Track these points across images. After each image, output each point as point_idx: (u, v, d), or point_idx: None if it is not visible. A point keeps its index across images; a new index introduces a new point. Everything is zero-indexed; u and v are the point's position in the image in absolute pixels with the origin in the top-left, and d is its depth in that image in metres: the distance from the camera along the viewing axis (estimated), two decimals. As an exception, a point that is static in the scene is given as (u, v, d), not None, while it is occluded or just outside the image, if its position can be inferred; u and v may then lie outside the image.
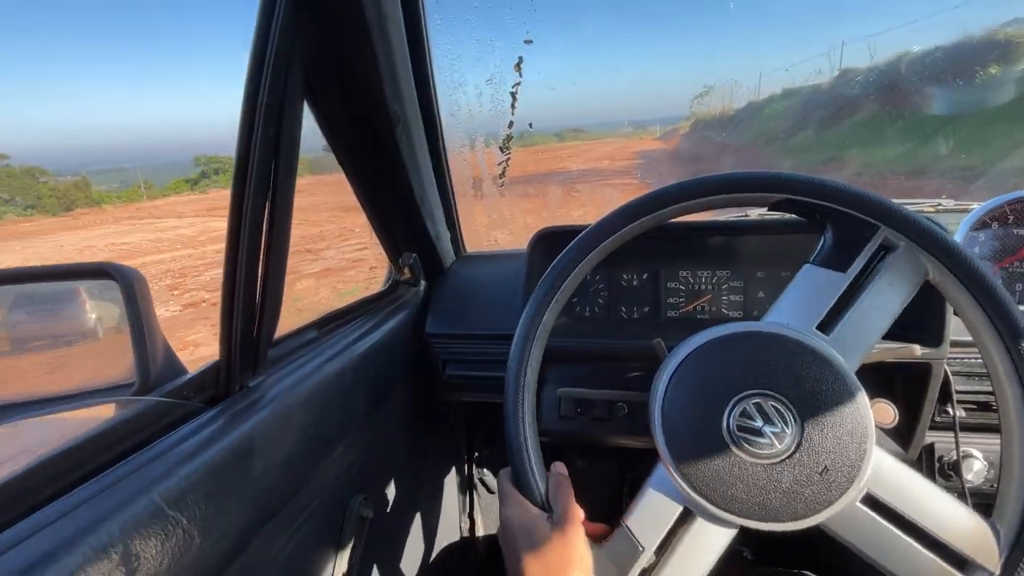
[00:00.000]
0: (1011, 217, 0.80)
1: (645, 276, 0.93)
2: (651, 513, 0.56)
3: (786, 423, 0.51)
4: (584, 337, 0.90)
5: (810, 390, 0.51)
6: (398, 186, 0.79)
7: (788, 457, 0.51)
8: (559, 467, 0.59)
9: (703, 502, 0.53)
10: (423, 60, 0.69)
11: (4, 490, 0.40)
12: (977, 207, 0.81)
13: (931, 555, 0.51)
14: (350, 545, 0.76)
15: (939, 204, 1.04)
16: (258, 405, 0.60)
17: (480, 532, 1.33)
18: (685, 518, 0.55)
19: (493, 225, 1.26)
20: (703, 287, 0.91)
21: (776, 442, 0.51)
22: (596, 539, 0.56)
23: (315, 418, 0.66)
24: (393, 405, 0.92)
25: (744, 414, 0.52)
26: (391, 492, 0.90)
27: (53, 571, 0.34)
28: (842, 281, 0.55)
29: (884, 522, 0.52)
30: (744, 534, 0.54)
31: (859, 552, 0.54)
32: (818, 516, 0.51)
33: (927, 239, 0.53)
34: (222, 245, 0.56)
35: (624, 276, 0.94)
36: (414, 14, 0.64)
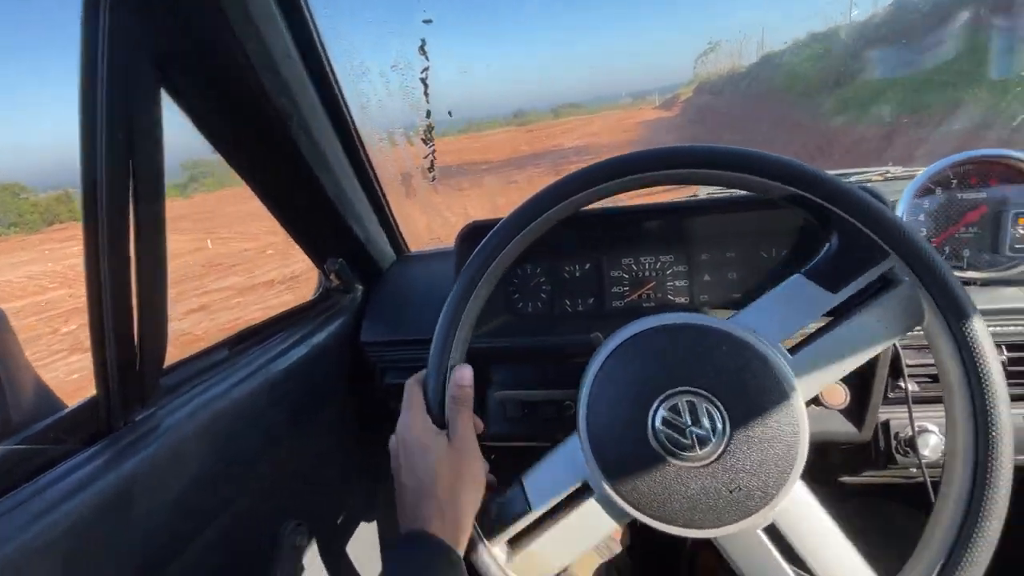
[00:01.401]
0: (954, 181, 0.77)
1: (587, 266, 0.89)
2: (550, 477, 0.55)
3: (713, 430, 0.47)
4: (527, 336, 0.85)
5: (749, 405, 0.48)
6: (307, 187, 0.73)
7: (704, 465, 0.48)
8: (460, 376, 0.55)
9: (603, 482, 0.50)
10: (313, 48, 0.63)
11: None
12: (920, 172, 0.78)
13: None
14: (282, 576, 0.71)
15: (887, 172, 1.01)
16: (147, 440, 0.54)
17: None
18: (581, 493, 0.53)
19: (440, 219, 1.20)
20: (647, 274, 0.87)
21: (697, 446, 0.47)
22: (491, 488, 0.56)
23: (219, 446, 0.61)
24: (326, 421, 0.86)
25: (674, 409, 0.48)
26: (328, 514, 0.85)
27: None
28: (828, 302, 0.49)
29: (778, 557, 0.50)
30: None
31: None
32: (713, 531, 0.49)
33: (938, 284, 0.44)
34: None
35: (566, 268, 0.90)
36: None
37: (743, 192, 0.94)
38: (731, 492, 0.47)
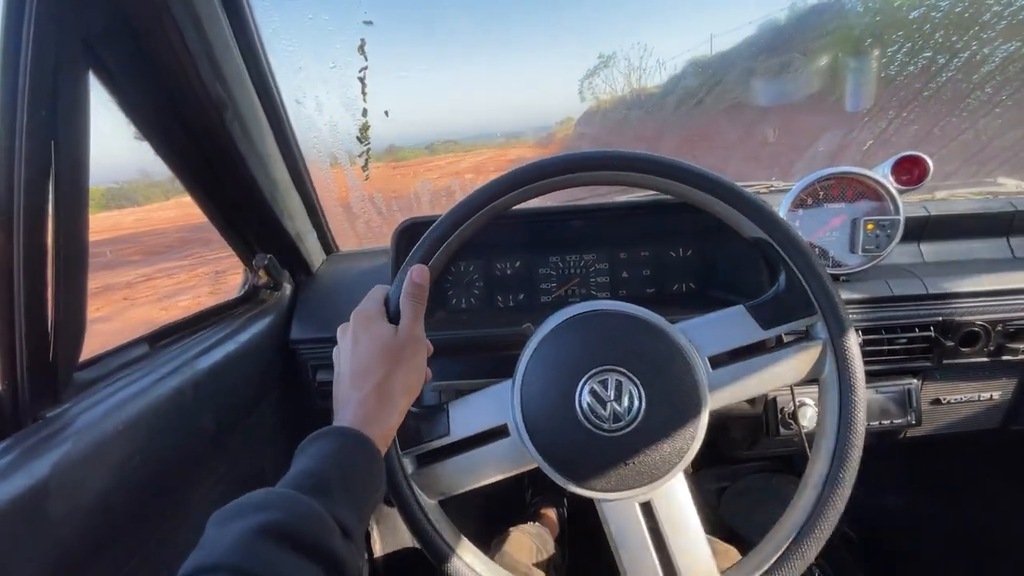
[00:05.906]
0: (821, 194, 0.91)
1: (518, 264, 0.94)
2: (474, 411, 0.57)
3: (630, 409, 0.52)
4: (461, 329, 0.89)
5: (665, 397, 0.53)
6: (239, 180, 0.71)
7: (613, 436, 0.52)
8: (417, 273, 0.54)
9: (525, 436, 0.53)
10: (251, 39, 0.62)
11: None
12: (795, 185, 0.92)
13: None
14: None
15: (771, 184, 1.17)
16: (59, 438, 0.51)
17: (377, 550, 1.27)
18: (497, 433, 0.56)
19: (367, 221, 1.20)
20: (572, 271, 0.94)
21: (612, 419, 0.52)
22: (426, 379, 0.55)
23: (138, 446, 0.58)
24: (257, 420, 0.83)
25: (601, 384, 0.53)
26: None
27: None
28: (756, 336, 0.56)
29: (645, 531, 0.54)
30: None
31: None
32: (600, 494, 0.53)
33: (843, 348, 0.53)
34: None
35: (498, 265, 0.95)
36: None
37: (659, 196, 1.05)
38: (626, 465, 0.52)
